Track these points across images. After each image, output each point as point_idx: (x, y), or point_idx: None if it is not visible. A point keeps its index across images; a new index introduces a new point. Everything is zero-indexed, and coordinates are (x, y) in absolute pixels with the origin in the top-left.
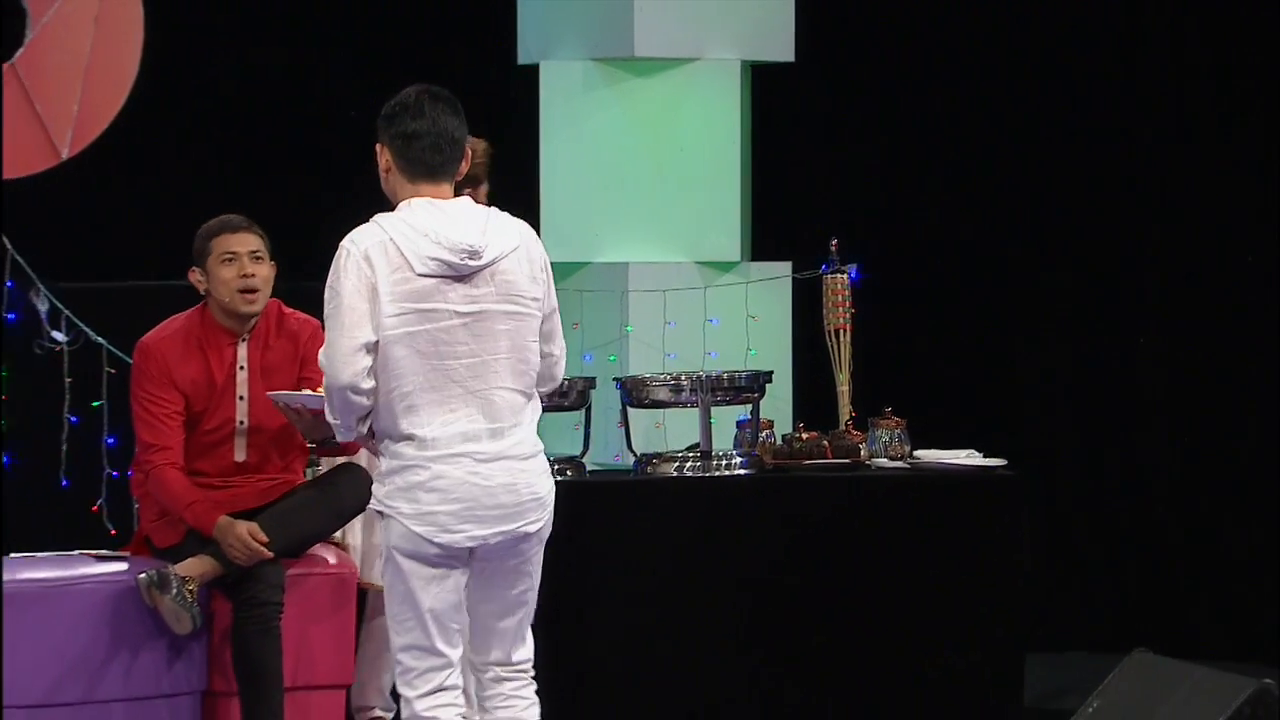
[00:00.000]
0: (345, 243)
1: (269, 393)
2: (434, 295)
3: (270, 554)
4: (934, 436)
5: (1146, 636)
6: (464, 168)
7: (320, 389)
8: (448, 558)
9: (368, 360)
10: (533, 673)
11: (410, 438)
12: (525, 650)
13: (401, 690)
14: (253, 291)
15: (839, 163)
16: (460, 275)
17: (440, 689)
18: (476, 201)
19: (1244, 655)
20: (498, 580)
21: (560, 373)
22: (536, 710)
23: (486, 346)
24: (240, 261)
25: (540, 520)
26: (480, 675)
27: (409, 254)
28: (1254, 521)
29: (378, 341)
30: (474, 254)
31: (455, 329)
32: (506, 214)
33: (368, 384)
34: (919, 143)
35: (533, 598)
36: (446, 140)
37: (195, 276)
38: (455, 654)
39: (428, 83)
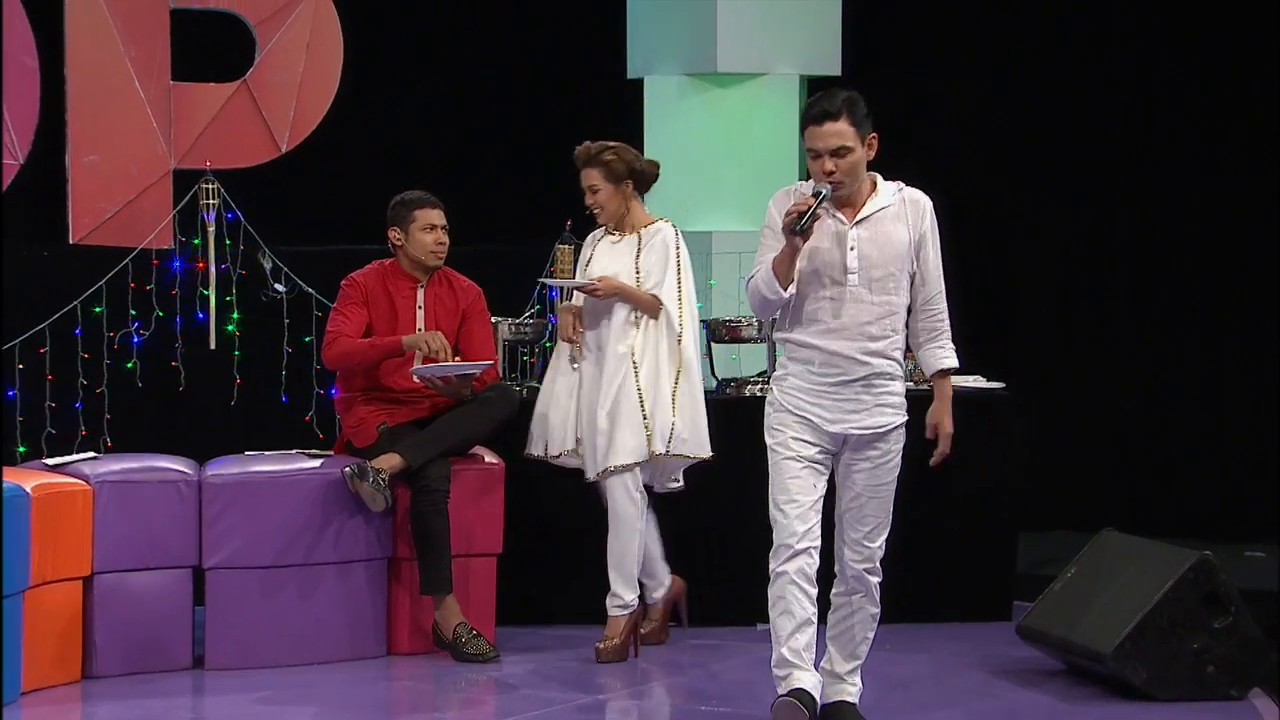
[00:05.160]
0: None
1: (412, 369)
2: None
3: (447, 344)
4: None
5: (1114, 518)
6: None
7: (458, 359)
8: None
9: None
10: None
11: None
12: None
13: None
14: (442, 252)
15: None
16: None
17: None
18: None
19: (1190, 533)
20: None
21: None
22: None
23: None
24: (437, 232)
25: None
26: None
27: None
28: (1199, 430)
29: None
30: None
31: None
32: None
33: None
34: (932, 137)
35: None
36: None
37: (395, 235)
38: None
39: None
